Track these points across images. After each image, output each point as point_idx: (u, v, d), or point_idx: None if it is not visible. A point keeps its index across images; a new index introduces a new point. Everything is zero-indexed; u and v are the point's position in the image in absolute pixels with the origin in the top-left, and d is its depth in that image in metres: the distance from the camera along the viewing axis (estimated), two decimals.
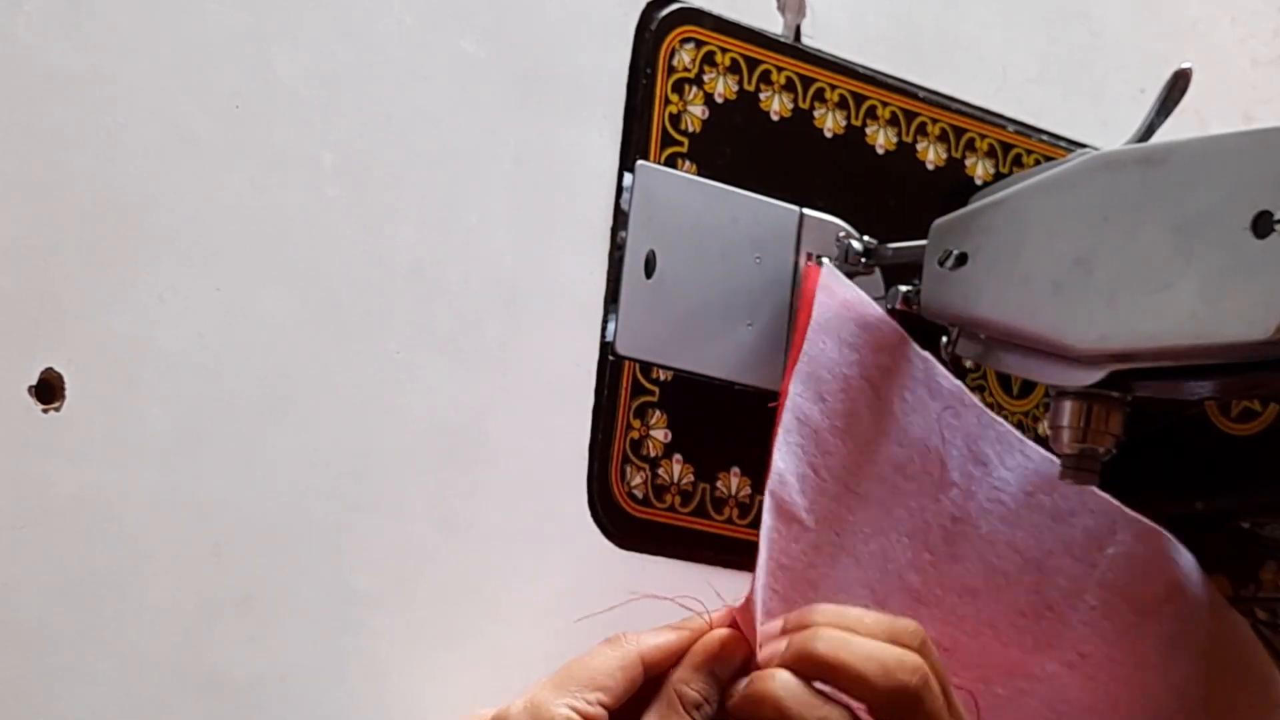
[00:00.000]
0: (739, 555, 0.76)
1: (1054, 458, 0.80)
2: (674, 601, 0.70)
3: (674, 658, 0.69)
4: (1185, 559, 0.84)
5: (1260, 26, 1.03)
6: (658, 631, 0.69)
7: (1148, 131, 0.74)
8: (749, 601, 0.68)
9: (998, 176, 0.88)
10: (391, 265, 0.70)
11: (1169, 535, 0.83)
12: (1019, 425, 0.88)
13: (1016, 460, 0.80)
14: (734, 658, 0.69)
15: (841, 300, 0.76)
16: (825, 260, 0.76)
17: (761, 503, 0.74)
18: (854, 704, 0.66)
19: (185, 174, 0.65)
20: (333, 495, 0.69)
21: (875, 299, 0.82)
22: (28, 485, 0.62)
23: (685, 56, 0.78)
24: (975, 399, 0.80)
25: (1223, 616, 0.86)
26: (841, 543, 0.74)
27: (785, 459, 0.72)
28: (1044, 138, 0.90)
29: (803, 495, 0.72)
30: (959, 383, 0.79)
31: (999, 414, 0.88)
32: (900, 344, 0.77)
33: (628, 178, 0.77)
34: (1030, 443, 0.81)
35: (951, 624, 0.78)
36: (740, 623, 0.69)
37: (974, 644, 0.78)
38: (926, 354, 0.78)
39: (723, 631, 0.69)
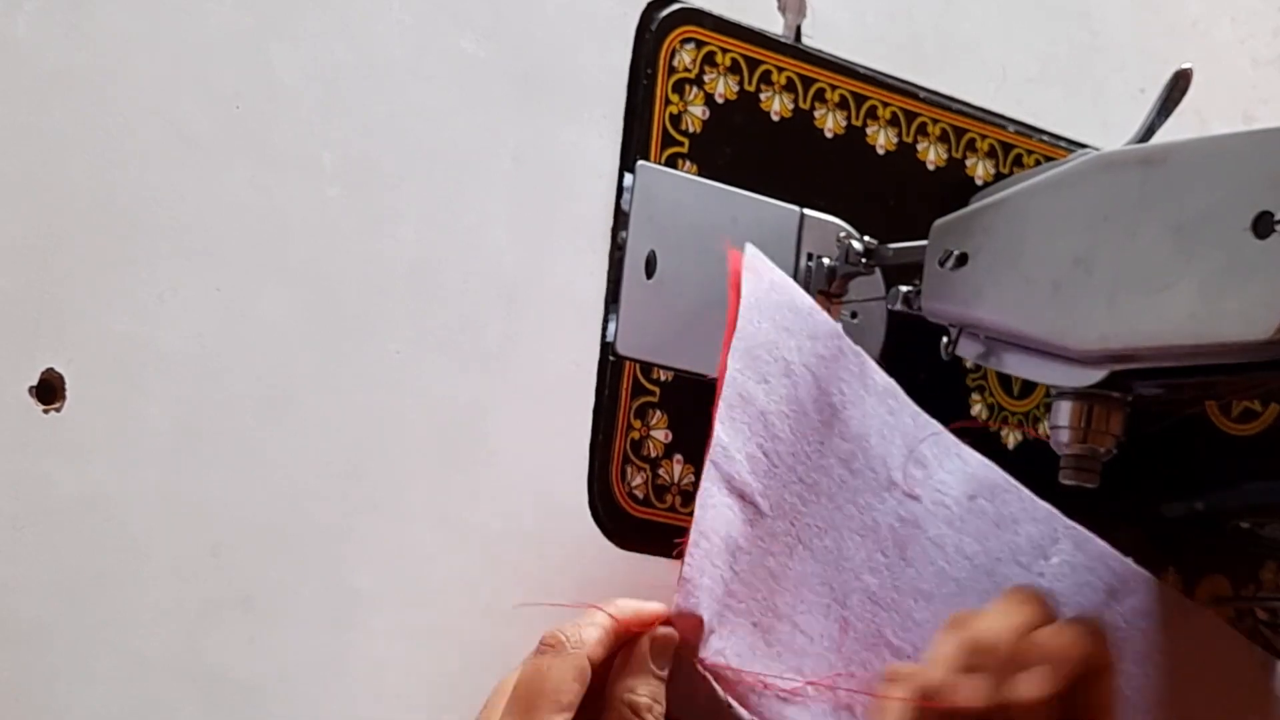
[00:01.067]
0: None
1: (990, 463, 0.81)
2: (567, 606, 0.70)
3: (612, 652, 0.68)
4: (1120, 564, 0.84)
5: (1260, 26, 1.03)
6: (590, 624, 0.68)
7: (1148, 131, 0.74)
8: (681, 582, 0.68)
9: (998, 176, 0.88)
10: (391, 265, 0.70)
11: (1101, 540, 0.83)
12: (1019, 425, 0.88)
13: (955, 464, 0.80)
14: (669, 650, 0.68)
15: (770, 282, 0.75)
16: (748, 245, 0.76)
17: None
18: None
19: (185, 174, 0.65)
20: (333, 495, 0.69)
21: (875, 299, 0.82)
22: (28, 485, 0.62)
23: (685, 57, 0.78)
24: (908, 398, 0.80)
25: (1183, 619, 0.86)
26: (797, 534, 0.74)
27: (731, 434, 0.71)
28: (1044, 138, 0.90)
29: (754, 477, 0.72)
30: (891, 380, 0.79)
31: (999, 414, 0.88)
32: (834, 335, 0.76)
33: (628, 178, 0.77)
34: (965, 447, 0.81)
35: (910, 629, 0.78)
36: (676, 615, 0.69)
37: None
38: (858, 348, 0.78)
39: (658, 631, 0.68)
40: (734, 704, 0.70)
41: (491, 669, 0.72)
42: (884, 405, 0.78)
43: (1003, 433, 0.88)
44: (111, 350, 0.64)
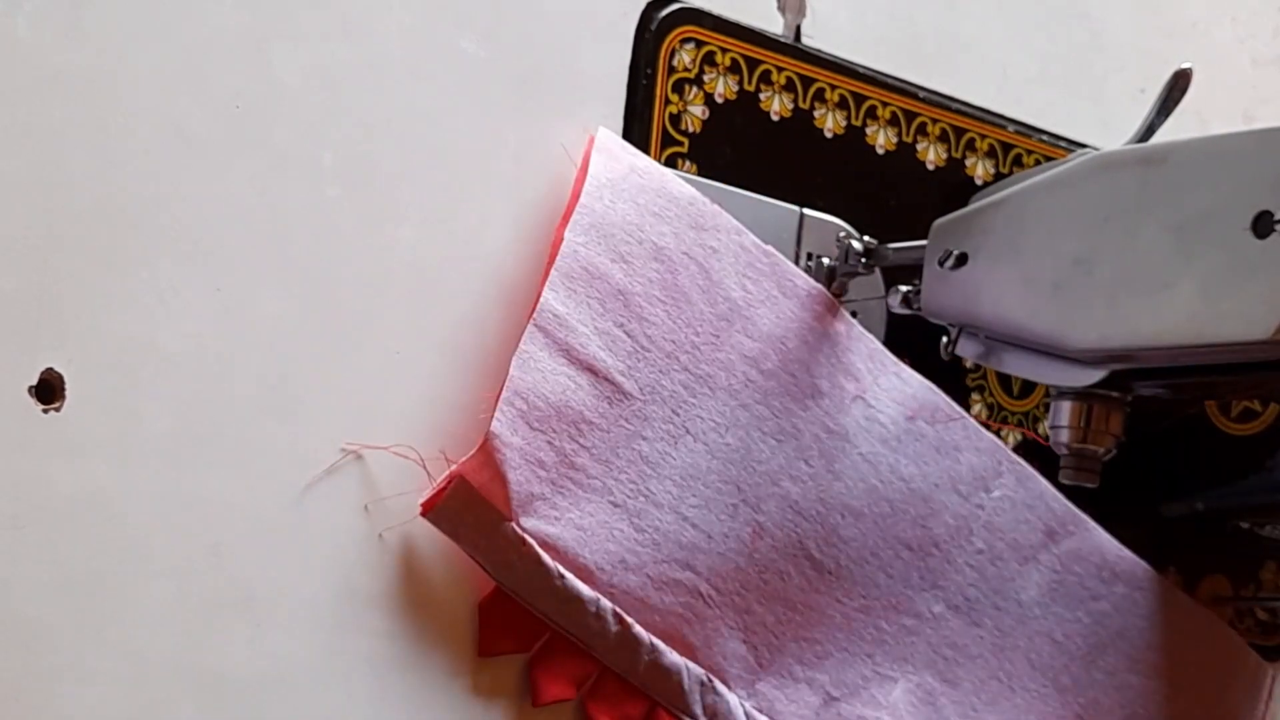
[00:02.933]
0: None
1: (933, 385, 0.80)
2: (389, 450, 0.69)
3: None
4: (1060, 505, 0.83)
5: (1260, 26, 1.03)
6: None
7: (1148, 131, 0.74)
8: (488, 438, 0.68)
9: (998, 176, 0.88)
10: (391, 265, 0.70)
11: (1043, 479, 0.83)
12: (1019, 425, 0.88)
13: (891, 381, 0.79)
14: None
15: (630, 166, 0.74)
16: (601, 128, 0.75)
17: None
18: None
19: (185, 174, 0.65)
20: (333, 495, 0.68)
21: (875, 299, 0.82)
22: (28, 485, 0.62)
23: (685, 56, 0.78)
24: (840, 307, 0.79)
25: (1127, 573, 0.85)
26: (683, 424, 0.73)
27: (569, 305, 0.71)
28: (1044, 138, 0.90)
29: (612, 355, 0.71)
30: (819, 286, 0.78)
31: (999, 414, 0.88)
32: (733, 231, 0.76)
33: None
34: (905, 365, 0.80)
35: (835, 545, 0.77)
36: (474, 469, 0.68)
37: (859, 570, 0.78)
38: (771, 249, 0.77)
39: None
40: (566, 575, 0.69)
41: (492, 669, 0.72)
42: (808, 311, 0.77)
43: (1002, 432, 0.88)
44: (111, 350, 0.64)
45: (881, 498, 0.78)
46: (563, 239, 0.71)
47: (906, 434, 0.79)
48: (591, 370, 0.71)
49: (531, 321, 0.70)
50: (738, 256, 0.75)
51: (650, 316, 0.72)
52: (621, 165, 0.74)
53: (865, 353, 0.79)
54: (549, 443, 0.69)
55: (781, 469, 0.75)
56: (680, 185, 0.75)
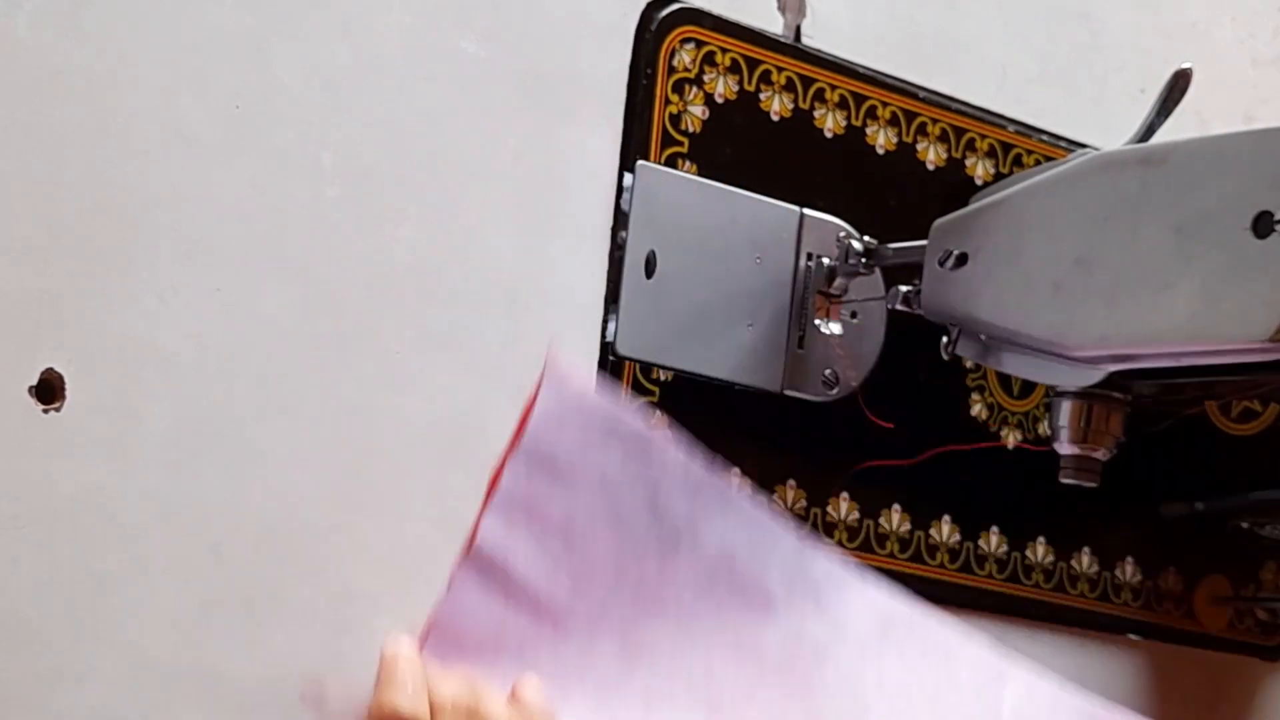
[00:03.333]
0: None
1: (896, 593, 0.75)
2: None
3: None
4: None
5: (1260, 26, 1.03)
6: None
7: (1148, 131, 0.74)
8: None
9: (998, 176, 0.88)
10: (391, 265, 0.70)
11: (1050, 683, 0.77)
12: (1019, 425, 0.88)
13: (857, 595, 0.74)
14: None
15: (579, 397, 0.70)
16: (556, 350, 0.70)
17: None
18: None
19: (185, 174, 0.65)
20: (333, 495, 0.69)
21: (875, 299, 0.82)
22: (28, 485, 0.62)
23: (685, 57, 0.78)
24: (781, 525, 0.73)
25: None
26: (636, 651, 0.70)
27: (506, 540, 0.67)
28: (1044, 138, 0.90)
29: (551, 586, 0.68)
30: (762, 508, 0.73)
31: (999, 414, 0.88)
32: (675, 463, 0.71)
33: (628, 178, 0.77)
34: (870, 574, 0.75)
35: None
36: None
37: None
38: (717, 476, 0.72)
39: None
40: None
41: None
42: (744, 529, 0.73)
43: (1003, 432, 0.88)
44: (111, 350, 0.64)
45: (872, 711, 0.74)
46: (505, 470, 0.68)
47: (888, 643, 0.75)
48: (544, 611, 0.68)
49: (467, 557, 0.67)
50: (683, 484, 0.71)
51: (591, 548, 0.69)
52: (570, 396, 0.69)
53: (822, 572, 0.73)
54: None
55: (744, 693, 0.72)
56: (628, 418, 0.71)
